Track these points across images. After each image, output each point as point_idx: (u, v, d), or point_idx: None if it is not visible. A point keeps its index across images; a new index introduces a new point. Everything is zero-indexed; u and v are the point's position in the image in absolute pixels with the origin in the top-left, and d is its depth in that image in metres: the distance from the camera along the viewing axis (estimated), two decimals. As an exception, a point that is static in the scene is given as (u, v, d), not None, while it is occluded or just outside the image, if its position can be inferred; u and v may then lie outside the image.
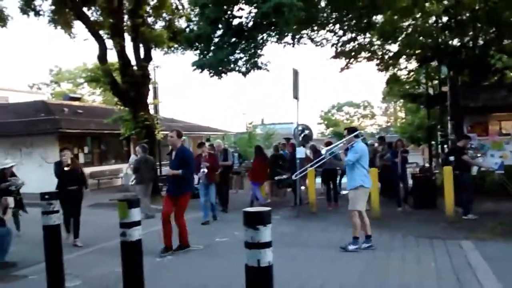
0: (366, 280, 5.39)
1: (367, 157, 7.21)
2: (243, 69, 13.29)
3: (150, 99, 16.67)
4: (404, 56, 15.56)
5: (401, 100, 31.17)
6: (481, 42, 13.85)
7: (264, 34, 13.21)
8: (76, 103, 25.02)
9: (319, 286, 5.19)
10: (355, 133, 7.32)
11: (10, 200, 7.13)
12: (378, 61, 15.88)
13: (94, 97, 41.55)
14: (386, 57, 15.64)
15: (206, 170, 9.65)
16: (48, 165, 18.08)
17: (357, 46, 14.78)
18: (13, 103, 25.40)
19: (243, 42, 12.87)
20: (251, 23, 12.80)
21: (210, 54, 12.83)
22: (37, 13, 14.74)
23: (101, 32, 15.17)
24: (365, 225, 7.03)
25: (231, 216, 10.49)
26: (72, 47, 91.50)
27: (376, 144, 13.56)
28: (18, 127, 19.20)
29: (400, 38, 13.74)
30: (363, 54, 15.37)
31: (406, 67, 17.84)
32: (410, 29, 13.72)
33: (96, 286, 5.29)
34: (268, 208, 3.02)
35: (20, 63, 75.82)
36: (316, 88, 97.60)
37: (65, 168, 7.93)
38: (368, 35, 14.46)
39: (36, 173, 17.65)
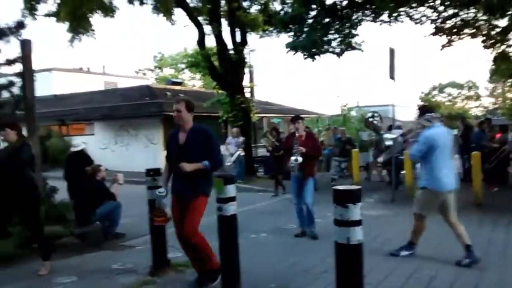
0: (464, 270, 5.09)
1: (443, 148, 5.31)
2: (337, 50, 13.13)
3: (246, 82, 17.05)
4: (514, 31, 14.38)
5: (510, 80, 28.85)
6: None
7: (359, 13, 12.90)
8: (178, 87, 26.39)
9: (414, 270, 5.11)
10: (427, 115, 5.47)
11: (120, 176, 7.64)
12: (483, 38, 14.83)
13: (194, 81, 43.34)
14: (493, 33, 14.54)
15: (300, 159, 6.64)
16: (154, 146, 19.34)
17: (459, 22, 13.90)
18: (121, 88, 27.35)
19: (337, 22, 12.68)
20: (345, 2, 12.56)
21: (304, 35, 12.81)
22: (141, 2, 15.61)
23: (199, 18, 15.73)
24: (418, 232, 5.70)
25: (324, 197, 10.35)
26: (173, 34, 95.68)
27: (476, 129, 12.91)
28: (125, 110, 20.66)
29: (509, 12, 12.70)
30: (467, 30, 14.42)
31: (516, 43, 16.50)
32: (521, 1, 12.64)
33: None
34: (359, 187, 3.07)
35: (127, 51, 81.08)
36: (415, 68, 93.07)
37: None
38: (472, 10, 13.53)
39: (141, 153, 18.97)
